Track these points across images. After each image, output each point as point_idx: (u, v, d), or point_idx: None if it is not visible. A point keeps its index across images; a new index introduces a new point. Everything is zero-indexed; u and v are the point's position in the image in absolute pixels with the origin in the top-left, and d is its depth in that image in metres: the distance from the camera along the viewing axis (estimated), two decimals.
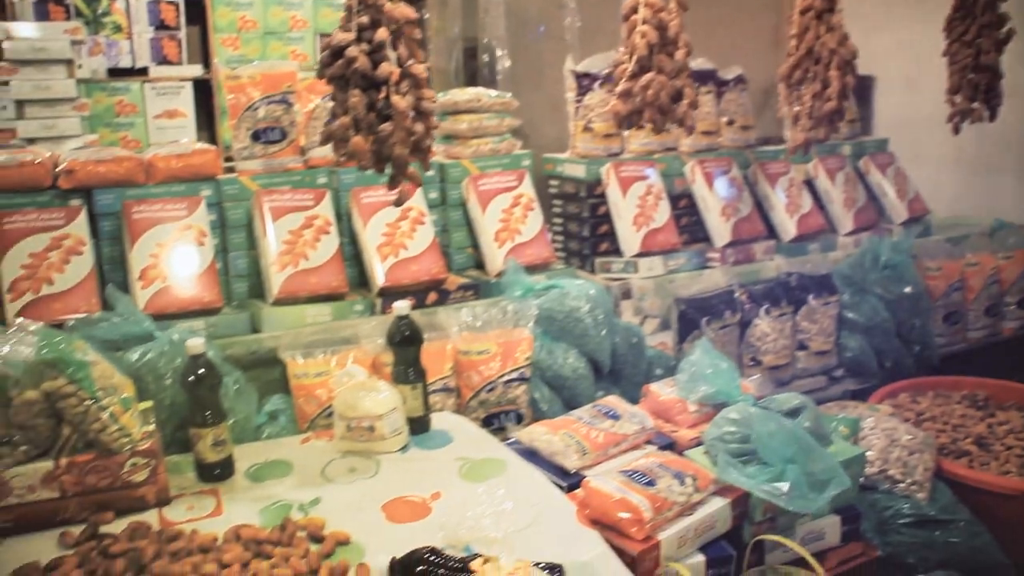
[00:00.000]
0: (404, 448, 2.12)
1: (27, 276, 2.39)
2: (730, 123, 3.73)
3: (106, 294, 2.40)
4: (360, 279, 2.81)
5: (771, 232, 3.55)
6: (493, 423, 2.49)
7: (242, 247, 2.71)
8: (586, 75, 3.38)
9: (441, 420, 2.29)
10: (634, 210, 3.22)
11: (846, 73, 2.92)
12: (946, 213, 4.12)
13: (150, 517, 1.83)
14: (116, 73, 5.00)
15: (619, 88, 2.67)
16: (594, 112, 3.35)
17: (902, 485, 2.52)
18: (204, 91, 5.20)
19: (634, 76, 2.63)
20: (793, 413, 2.22)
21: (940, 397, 3.16)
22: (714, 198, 3.42)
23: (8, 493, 1.76)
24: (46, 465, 1.79)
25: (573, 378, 2.65)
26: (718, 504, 2.02)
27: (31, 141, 3.76)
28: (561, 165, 3.42)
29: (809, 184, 3.76)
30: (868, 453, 2.52)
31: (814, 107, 3.00)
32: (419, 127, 1.99)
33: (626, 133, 3.44)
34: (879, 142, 4.08)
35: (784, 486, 1.96)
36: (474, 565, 1.48)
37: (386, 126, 1.95)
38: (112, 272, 2.55)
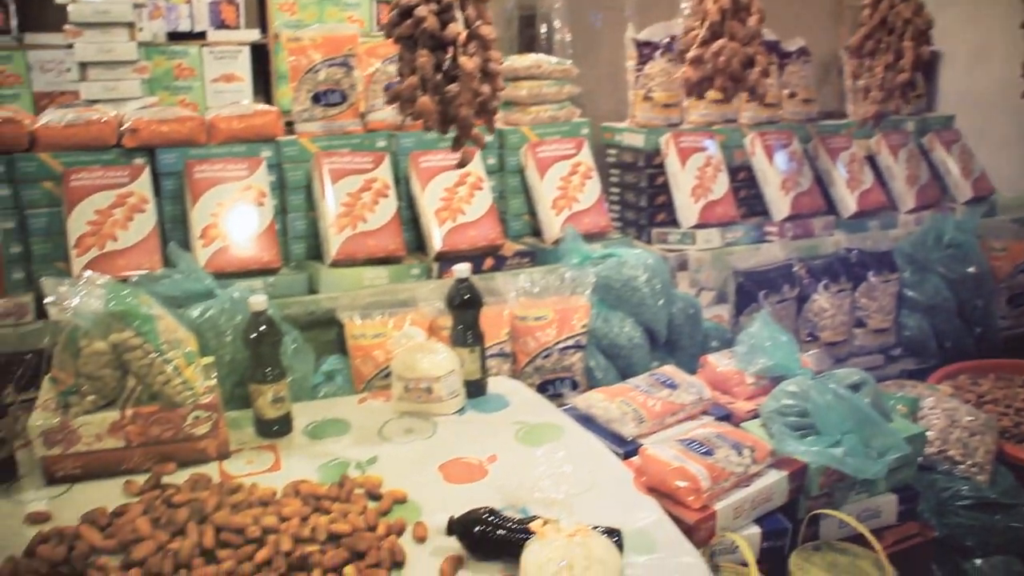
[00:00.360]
0: (461, 410, 2.13)
1: (92, 232, 2.43)
2: (792, 96, 3.66)
3: (167, 252, 2.44)
4: (417, 243, 2.81)
5: (831, 207, 3.49)
6: (548, 390, 2.49)
7: (301, 208, 2.73)
8: (647, 44, 3.34)
9: (497, 384, 2.29)
10: (692, 181, 3.19)
11: (920, 44, 2.84)
12: (1012, 193, 4.01)
13: (210, 470, 1.86)
14: (175, 37, 5.05)
15: (690, 54, 2.64)
16: (654, 81, 3.31)
17: (962, 467, 2.47)
18: (261, 56, 5.24)
19: (705, 42, 2.59)
20: (853, 389, 2.18)
21: (1002, 380, 3.09)
22: (774, 171, 3.37)
23: (76, 441, 1.80)
24: (112, 415, 1.82)
25: (629, 347, 2.64)
26: (775, 477, 2.00)
27: (92, 103, 3.81)
28: (620, 134, 3.39)
29: (871, 160, 3.68)
30: (928, 433, 2.47)
31: (886, 79, 2.92)
32: (485, 88, 1.98)
33: (685, 103, 3.39)
34: (945, 119, 3.98)
35: (840, 451, 1.95)
36: (534, 526, 1.48)
37: (453, 87, 1.94)
38: (173, 230, 2.59)
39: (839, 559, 2.04)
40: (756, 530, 1.96)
